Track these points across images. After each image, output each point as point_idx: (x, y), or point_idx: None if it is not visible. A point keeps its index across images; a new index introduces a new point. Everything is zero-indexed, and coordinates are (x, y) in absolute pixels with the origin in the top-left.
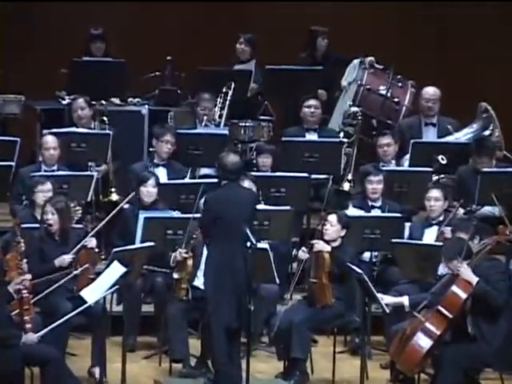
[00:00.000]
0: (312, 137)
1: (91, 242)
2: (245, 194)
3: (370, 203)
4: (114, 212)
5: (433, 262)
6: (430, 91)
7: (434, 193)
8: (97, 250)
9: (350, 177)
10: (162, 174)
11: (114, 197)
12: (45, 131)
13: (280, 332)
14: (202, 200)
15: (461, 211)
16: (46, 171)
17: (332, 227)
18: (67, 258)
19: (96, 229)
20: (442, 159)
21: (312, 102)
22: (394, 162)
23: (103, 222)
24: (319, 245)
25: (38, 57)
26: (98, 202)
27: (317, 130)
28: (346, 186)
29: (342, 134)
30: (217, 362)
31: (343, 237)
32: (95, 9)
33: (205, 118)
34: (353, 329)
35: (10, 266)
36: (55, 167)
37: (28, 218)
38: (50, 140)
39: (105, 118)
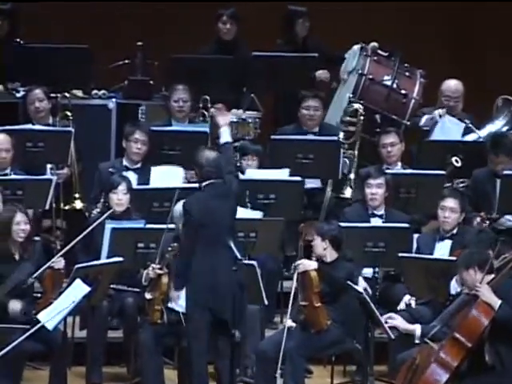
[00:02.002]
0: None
1: (59, 262)
2: (228, 197)
3: (370, 211)
4: (89, 229)
5: (445, 279)
6: (452, 87)
7: (450, 202)
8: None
9: (351, 182)
10: (131, 180)
11: (78, 204)
12: None
13: (265, 360)
14: (179, 208)
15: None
16: None
17: (314, 241)
18: (19, 307)
19: (67, 248)
20: (457, 161)
21: (311, 102)
22: (399, 164)
23: (75, 241)
24: (302, 265)
25: None
26: (59, 211)
27: (317, 133)
28: (348, 193)
29: (341, 134)
30: None
31: (338, 250)
32: None
33: (179, 113)
34: (353, 357)
35: None
36: (8, 170)
37: None
38: (1, 140)
39: (68, 113)
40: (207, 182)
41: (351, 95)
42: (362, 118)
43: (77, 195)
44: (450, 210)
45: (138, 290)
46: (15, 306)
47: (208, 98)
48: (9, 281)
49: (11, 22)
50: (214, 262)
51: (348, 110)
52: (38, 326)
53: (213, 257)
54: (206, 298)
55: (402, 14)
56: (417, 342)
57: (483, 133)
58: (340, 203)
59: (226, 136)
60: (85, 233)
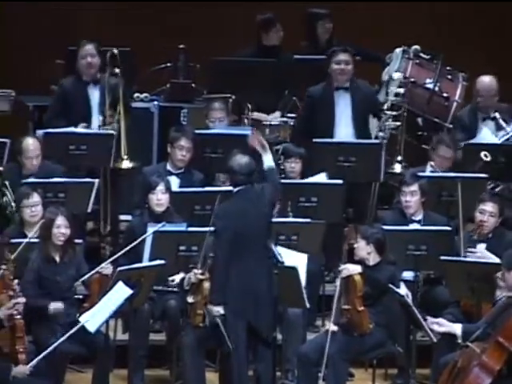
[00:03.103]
0: (342, 95)
1: (107, 268)
2: (262, 201)
3: (408, 216)
4: (140, 239)
5: (487, 283)
6: (486, 84)
7: (490, 207)
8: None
9: (399, 157)
10: (173, 184)
11: (125, 164)
12: (38, 131)
13: (307, 363)
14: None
15: None
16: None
17: (357, 245)
18: (62, 306)
19: (117, 255)
20: (486, 156)
21: (342, 56)
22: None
23: (126, 249)
24: (346, 270)
25: (27, 47)
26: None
27: (348, 88)
28: (398, 168)
29: (387, 106)
30: None
31: (381, 254)
32: None
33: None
34: (395, 360)
35: None
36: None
37: (17, 236)
38: (33, 146)
39: (116, 70)
40: (239, 188)
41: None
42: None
43: (125, 156)
44: (489, 214)
45: (175, 289)
46: (57, 305)
47: (249, 106)
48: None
49: None
50: (249, 268)
51: (393, 80)
52: (77, 326)
53: (248, 262)
54: (243, 306)
55: (440, 16)
56: (459, 341)
57: None
58: (391, 179)
59: (267, 160)
60: (136, 242)
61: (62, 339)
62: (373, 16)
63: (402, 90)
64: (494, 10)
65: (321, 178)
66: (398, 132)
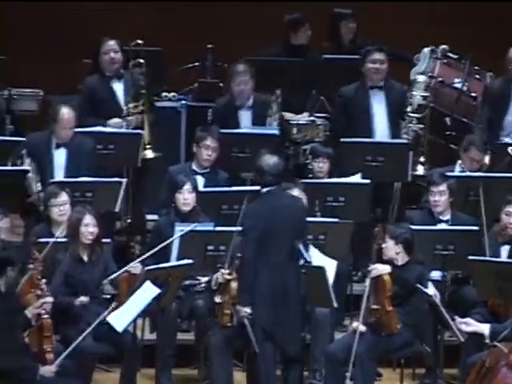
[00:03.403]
0: (377, 95)
1: (136, 268)
2: (289, 202)
3: (436, 216)
4: (168, 241)
5: None
6: None
7: None
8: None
9: (422, 158)
10: (199, 184)
11: (149, 154)
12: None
13: (335, 362)
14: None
15: None
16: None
17: (386, 245)
18: (87, 299)
19: (146, 255)
20: None
21: (377, 55)
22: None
23: (155, 249)
24: (376, 270)
25: (55, 47)
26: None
27: (382, 87)
28: (421, 170)
29: (409, 108)
30: None
31: (410, 253)
32: None
33: (241, 95)
34: (423, 360)
35: (26, 287)
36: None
37: (44, 235)
38: (66, 116)
39: (141, 60)
40: (267, 189)
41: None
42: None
43: (148, 146)
44: None
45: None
46: (82, 298)
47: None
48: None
49: None
50: (277, 268)
51: (417, 82)
52: (99, 319)
53: (277, 262)
54: (271, 307)
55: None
56: (487, 341)
57: None
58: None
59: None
60: (166, 242)
61: (86, 333)
62: (395, 16)
63: (427, 94)
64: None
65: (355, 178)
66: (422, 134)
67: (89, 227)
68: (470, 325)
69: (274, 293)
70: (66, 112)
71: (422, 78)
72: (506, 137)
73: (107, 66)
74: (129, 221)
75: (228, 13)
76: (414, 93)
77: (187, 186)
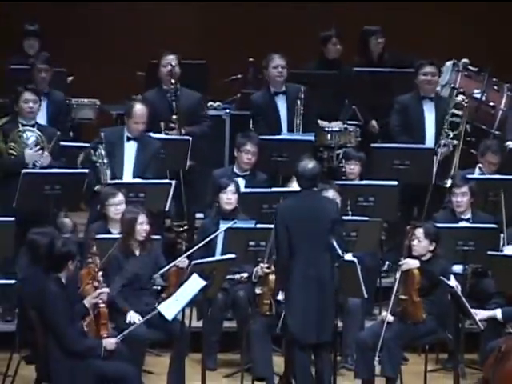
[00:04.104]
0: (428, 106)
1: (184, 262)
2: (322, 202)
3: (457, 216)
4: (213, 235)
5: None
6: None
7: None
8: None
9: (452, 172)
10: (240, 185)
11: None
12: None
13: (365, 348)
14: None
15: None
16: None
17: (420, 243)
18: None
19: (192, 250)
20: None
21: (429, 68)
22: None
23: (199, 245)
24: (406, 264)
25: (112, 59)
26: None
27: (433, 98)
28: (449, 184)
29: (448, 126)
30: (299, 381)
31: (434, 250)
32: (171, 8)
33: (279, 78)
34: (445, 346)
35: (84, 279)
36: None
37: (101, 231)
38: (139, 112)
39: (173, 81)
40: (302, 191)
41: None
42: (465, 106)
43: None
44: None
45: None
46: (134, 318)
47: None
48: (126, 273)
49: (40, 41)
50: (309, 262)
51: (452, 102)
52: (155, 312)
53: (308, 257)
54: (307, 297)
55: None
56: (501, 322)
57: None
58: (438, 195)
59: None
60: (208, 239)
61: (142, 321)
62: (420, 30)
63: (461, 113)
64: None
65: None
66: (456, 149)
67: (143, 225)
68: (481, 314)
69: (309, 283)
70: (139, 108)
71: (445, 91)
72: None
73: (164, 78)
74: (185, 225)
75: (268, 28)
76: (450, 111)
77: (231, 187)
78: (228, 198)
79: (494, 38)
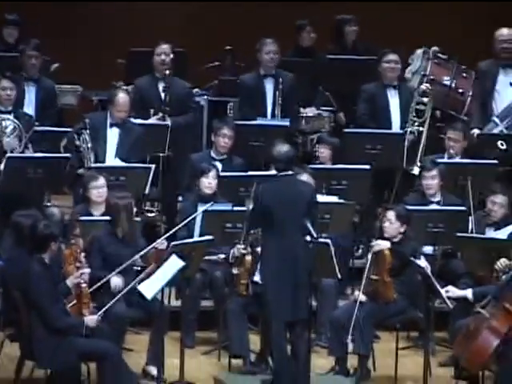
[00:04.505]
0: (392, 93)
1: (163, 244)
2: (299, 186)
3: (428, 198)
4: (190, 218)
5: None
6: (505, 33)
7: (499, 199)
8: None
9: (419, 160)
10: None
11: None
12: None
13: (338, 327)
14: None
15: None
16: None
17: (391, 225)
18: (121, 284)
19: (170, 232)
20: (502, 144)
21: (391, 56)
22: (457, 157)
23: (177, 228)
24: (378, 245)
25: (93, 47)
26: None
27: (396, 86)
28: (416, 170)
29: (413, 113)
30: (275, 357)
31: (404, 232)
32: None
33: (269, 64)
34: (416, 324)
35: (67, 259)
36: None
37: (84, 214)
38: (121, 100)
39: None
40: (279, 174)
41: (420, 82)
42: (430, 94)
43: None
44: (499, 205)
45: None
46: (117, 281)
47: None
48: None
49: (19, 30)
50: (285, 243)
51: (418, 91)
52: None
53: (285, 238)
54: (282, 272)
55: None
56: (471, 301)
57: None
58: (408, 179)
59: None
60: (186, 221)
61: (119, 295)
62: (391, 19)
63: (426, 100)
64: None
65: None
66: (421, 136)
67: (134, 208)
68: (453, 292)
69: (284, 263)
70: (122, 96)
71: (415, 78)
72: (501, 121)
73: (157, 67)
74: (157, 210)
75: (244, 17)
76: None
77: (212, 173)
78: (209, 183)
79: (461, 23)
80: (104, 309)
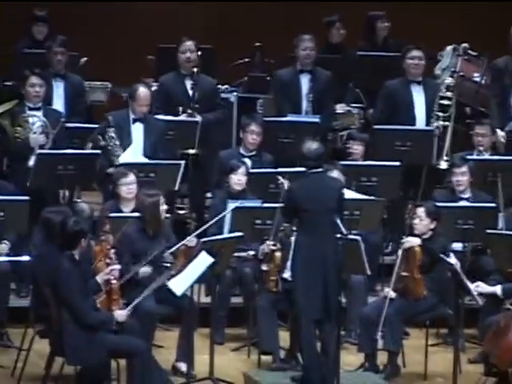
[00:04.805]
0: (416, 89)
1: (193, 241)
2: (329, 183)
3: (457, 195)
4: (221, 215)
5: None
6: None
7: None
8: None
9: (445, 155)
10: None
11: (191, 150)
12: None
13: (368, 323)
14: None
15: None
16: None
17: (421, 221)
18: (149, 271)
19: (201, 229)
20: None
21: (415, 52)
22: (487, 154)
23: (208, 224)
24: (408, 242)
25: (123, 43)
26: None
27: (421, 82)
28: (444, 165)
29: (438, 108)
30: (305, 354)
31: (434, 228)
32: None
33: (307, 60)
34: (445, 321)
35: (97, 256)
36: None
37: (113, 210)
38: (142, 94)
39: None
40: (310, 171)
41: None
42: (454, 93)
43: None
44: None
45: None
46: (145, 269)
47: None
48: (148, 255)
49: (49, 27)
50: (317, 239)
51: (443, 85)
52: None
53: (315, 235)
54: (313, 269)
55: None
56: (501, 298)
57: None
58: (436, 174)
59: None
60: (216, 219)
61: (151, 290)
62: (424, 16)
63: (451, 95)
64: None
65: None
66: (447, 131)
67: (163, 206)
68: (482, 288)
69: (314, 260)
70: (142, 91)
71: (448, 80)
72: None
73: (183, 64)
74: (186, 208)
75: (273, 14)
76: (440, 94)
77: (242, 170)
78: (239, 179)
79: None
80: (133, 303)
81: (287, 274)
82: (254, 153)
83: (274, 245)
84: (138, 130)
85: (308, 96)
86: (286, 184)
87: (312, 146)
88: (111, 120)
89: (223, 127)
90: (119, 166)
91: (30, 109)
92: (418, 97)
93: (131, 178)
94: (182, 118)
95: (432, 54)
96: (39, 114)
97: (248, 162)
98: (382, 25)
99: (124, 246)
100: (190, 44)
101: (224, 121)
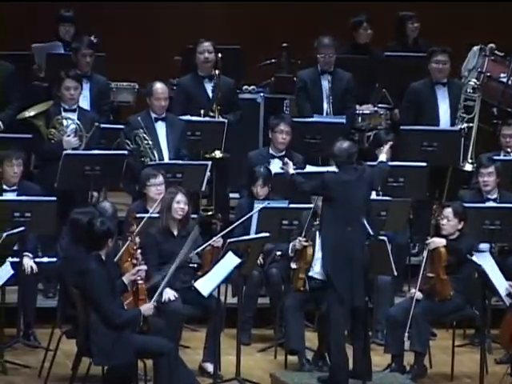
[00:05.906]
0: (441, 91)
1: (219, 241)
2: (359, 182)
3: (484, 195)
4: (248, 215)
5: None
6: None
7: None
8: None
9: (470, 157)
10: (277, 166)
11: (218, 154)
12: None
13: (394, 324)
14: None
15: None
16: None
17: (449, 222)
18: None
19: (227, 230)
20: None
21: (440, 57)
22: None
23: (234, 225)
24: (433, 243)
25: (150, 44)
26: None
27: (446, 83)
28: (468, 167)
29: (462, 110)
30: (334, 355)
31: (461, 229)
32: None
33: (327, 64)
34: (472, 322)
35: (124, 256)
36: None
37: (140, 211)
38: (159, 90)
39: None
40: (342, 168)
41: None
42: (479, 94)
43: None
44: None
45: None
46: (170, 294)
47: None
48: (177, 258)
49: (75, 27)
50: (348, 237)
51: (467, 87)
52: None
53: (347, 232)
54: (343, 271)
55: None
56: None
57: None
58: (460, 175)
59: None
60: (243, 219)
61: (168, 276)
62: (449, 16)
63: (476, 96)
64: None
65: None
66: (472, 130)
67: (180, 204)
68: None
69: (341, 259)
70: (159, 85)
71: (472, 75)
72: None
73: (201, 66)
74: (212, 210)
75: (300, 14)
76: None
77: (259, 182)
78: (260, 189)
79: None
80: (158, 292)
81: (312, 272)
82: (283, 153)
83: (306, 240)
84: (161, 129)
85: (328, 98)
86: (290, 165)
87: (343, 144)
88: (140, 120)
89: (250, 128)
90: (148, 166)
91: (65, 110)
92: (443, 98)
93: (160, 178)
94: (208, 119)
95: (458, 54)
96: (74, 116)
97: (278, 162)
98: (412, 25)
99: (149, 247)
100: (207, 45)
101: (240, 122)
